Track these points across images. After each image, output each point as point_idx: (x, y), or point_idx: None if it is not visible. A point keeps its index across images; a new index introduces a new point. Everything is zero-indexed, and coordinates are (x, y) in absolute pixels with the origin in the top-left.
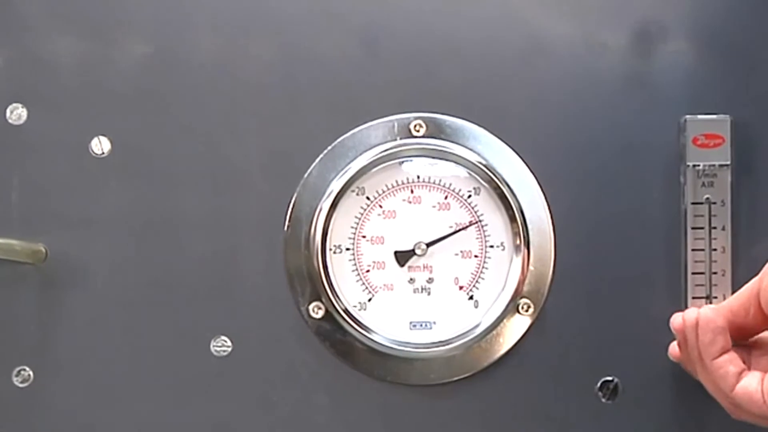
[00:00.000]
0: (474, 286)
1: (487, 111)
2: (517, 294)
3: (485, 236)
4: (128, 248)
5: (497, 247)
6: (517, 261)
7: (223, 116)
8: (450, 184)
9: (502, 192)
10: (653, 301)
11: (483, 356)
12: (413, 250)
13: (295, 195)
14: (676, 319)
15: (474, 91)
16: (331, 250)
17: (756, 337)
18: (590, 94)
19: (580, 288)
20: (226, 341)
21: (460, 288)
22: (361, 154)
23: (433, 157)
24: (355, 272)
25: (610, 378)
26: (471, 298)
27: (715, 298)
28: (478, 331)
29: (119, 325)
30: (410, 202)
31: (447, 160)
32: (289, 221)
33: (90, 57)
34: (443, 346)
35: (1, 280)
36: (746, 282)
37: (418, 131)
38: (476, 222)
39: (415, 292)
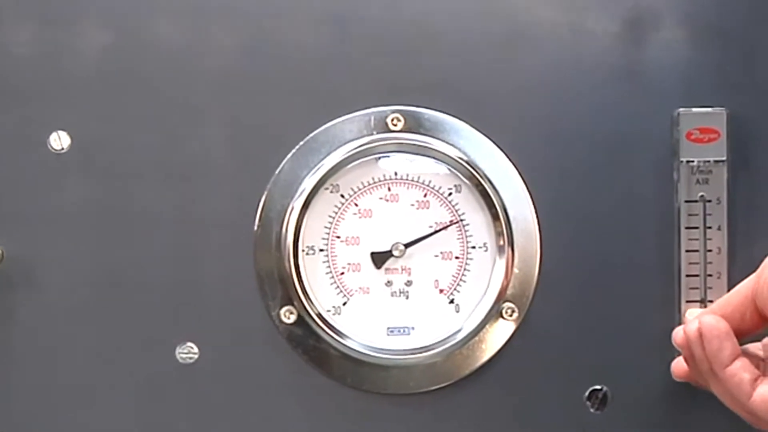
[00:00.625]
0: (455, 289)
1: (469, 104)
2: (501, 298)
3: (467, 236)
4: (88, 248)
5: (479, 247)
6: (501, 263)
7: (188, 109)
8: (429, 182)
9: (485, 189)
10: (644, 306)
11: (464, 364)
12: (390, 252)
13: (265, 193)
14: (678, 334)
15: (454, 83)
16: (303, 251)
17: (766, 340)
18: (578, 86)
19: (567, 291)
20: (192, 348)
21: (440, 291)
22: (335, 150)
23: (412, 153)
24: (329, 275)
25: (598, 387)
26: (452, 302)
27: (710, 301)
28: (459, 337)
29: (79, 331)
30: (387, 201)
31: (426, 155)
32: (259, 221)
33: (47, 47)
34: (422, 352)
35: None
36: None
37: (395, 125)
38: (457, 221)
39: (392, 295)
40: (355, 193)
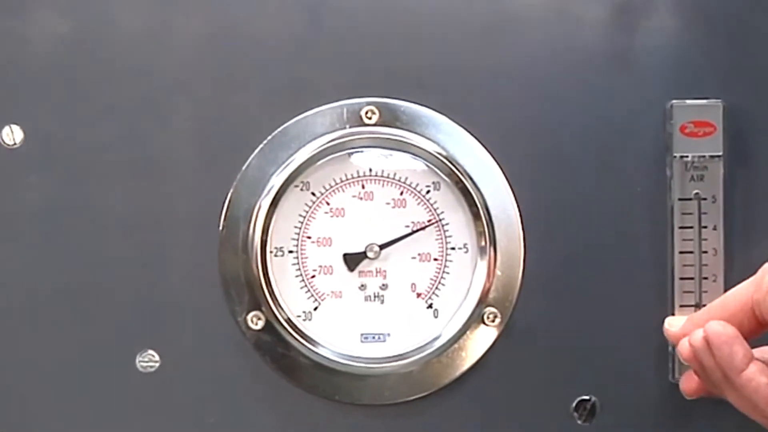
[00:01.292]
0: (433, 293)
1: (448, 95)
2: (482, 302)
3: (446, 237)
4: (43, 250)
5: (459, 249)
6: (482, 265)
7: (149, 102)
8: (406, 179)
9: (465, 187)
10: (636, 310)
11: (443, 372)
12: (364, 253)
13: (230, 191)
14: (684, 347)
15: (433, 73)
16: (271, 252)
17: None
18: (564, 77)
19: (553, 295)
20: (153, 356)
21: (418, 295)
22: (305, 145)
23: (387, 148)
24: (299, 278)
25: (587, 397)
26: (430, 306)
27: (705, 305)
28: (438, 344)
29: (33, 337)
30: (361, 199)
31: (402, 151)
32: (225, 220)
33: None
34: (399, 360)
35: None
36: None
37: (369, 118)
38: (436, 221)
39: (366, 300)
40: (326, 190)
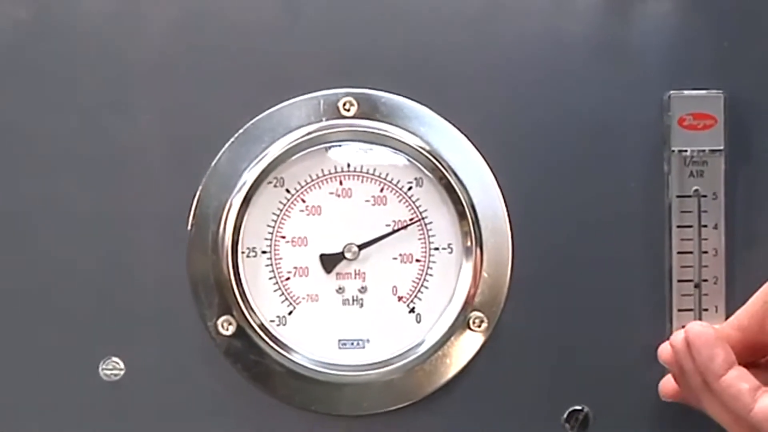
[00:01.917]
0: (415, 296)
1: (432, 86)
2: (468, 306)
3: (429, 236)
4: None
5: (443, 249)
6: (468, 266)
7: (113, 92)
8: (387, 174)
9: (450, 183)
10: (631, 315)
11: (426, 381)
12: (342, 254)
13: (200, 187)
14: (664, 349)
15: (416, 63)
16: (243, 253)
17: None
18: (556, 66)
19: (543, 299)
20: (117, 363)
21: (399, 299)
22: (279, 139)
23: (367, 142)
24: (273, 280)
25: (579, 407)
26: (412, 311)
27: (706, 310)
28: (420, 350)
29: None
30: (339, 196)
31: (383, 145)
32: (193, 219)
33: None
34: (379, 368)
35: None
36: (744, 292)
37: (347, 110)
38: (418, 219)
39: (344, 303)
40: (302, 187)
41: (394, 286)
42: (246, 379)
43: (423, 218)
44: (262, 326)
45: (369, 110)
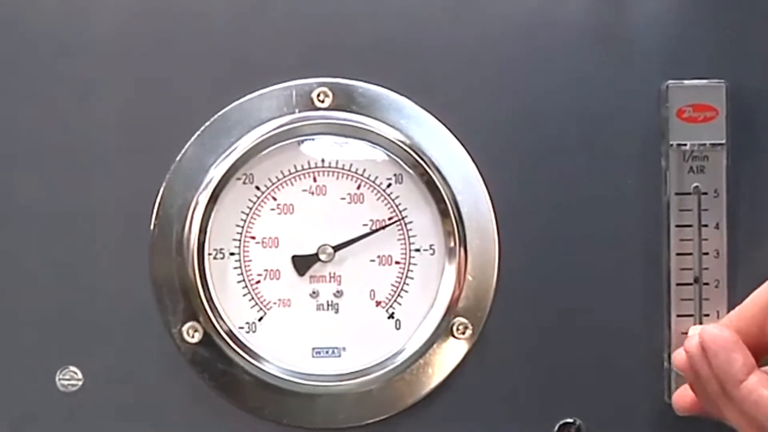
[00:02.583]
0: (395, 301)
1: (412, 75)
2: (451, 311)
3: (409, 237)
4: None
5: (425, 250)
6: (451, 269)
7: (71, 83)
8: (364, 171)
9: (432, 180)
10: (627, 321)
11: (407, 392)
12: (316, 255)
13: (163, 184)
14: (679, 355)
15: (394, 50)
16: (210, 255)
17: None
18: (546, 54)
19: (531, 304)
20: (75, 373)
21: (378, 304)
22: (248, 132)
23: (342, 135)
24: (242, 284)
25: (570, 420)
26: (391, 316)
27: (707, 316)
28: (400, 359)
29: None
30: (312, 194)
31: (360, 138)
32: (156, 218)
33: None
34: (355, 378)
35: None
36: (747, 295)
37: (322, 101)
38: (398, 219)
39: (319, 309)
40: (273, 184)
41: (372, 290)
42: (213, 389)
43: (403, 217)
44: (230, 333)
45: (345, 101)
